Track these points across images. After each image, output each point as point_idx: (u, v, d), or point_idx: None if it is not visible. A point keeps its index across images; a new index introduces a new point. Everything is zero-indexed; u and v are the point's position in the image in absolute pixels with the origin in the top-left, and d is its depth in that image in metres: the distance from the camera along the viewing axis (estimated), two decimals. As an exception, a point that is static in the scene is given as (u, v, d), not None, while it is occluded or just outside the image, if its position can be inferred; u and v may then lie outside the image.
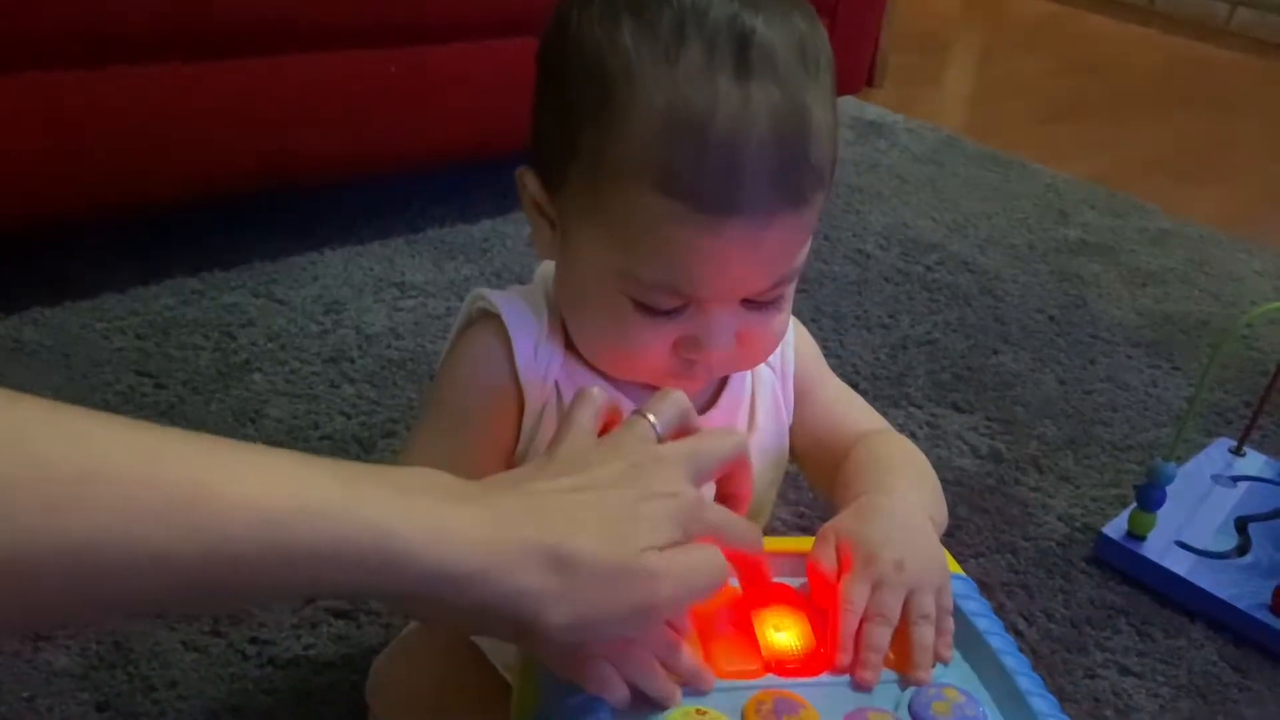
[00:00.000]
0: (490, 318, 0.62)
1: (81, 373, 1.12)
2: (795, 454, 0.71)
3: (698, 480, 0.49)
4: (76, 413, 0.36)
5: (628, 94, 0.51)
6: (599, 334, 0.59)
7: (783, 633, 0.53)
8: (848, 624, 0.52)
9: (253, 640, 0.84)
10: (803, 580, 0.56)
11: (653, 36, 0.51)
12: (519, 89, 0.62)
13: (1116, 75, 2.78)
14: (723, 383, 0.65)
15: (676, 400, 0.51)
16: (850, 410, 0.71)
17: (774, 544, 0.58)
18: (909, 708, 0.49)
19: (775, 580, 0.56)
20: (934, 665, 0.52)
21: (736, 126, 0.49)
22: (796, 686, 0.50)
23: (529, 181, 0.59)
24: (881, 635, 0.51)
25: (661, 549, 0.45)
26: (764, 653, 0.52)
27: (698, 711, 0.47)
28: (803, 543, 0.57)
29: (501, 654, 0.67)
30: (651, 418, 0.50)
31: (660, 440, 0.50)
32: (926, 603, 0.53)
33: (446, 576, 0.40)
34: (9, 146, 1.11)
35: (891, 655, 0.52)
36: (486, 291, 0.63)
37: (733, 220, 0.51)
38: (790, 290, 0.59)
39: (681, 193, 0.50)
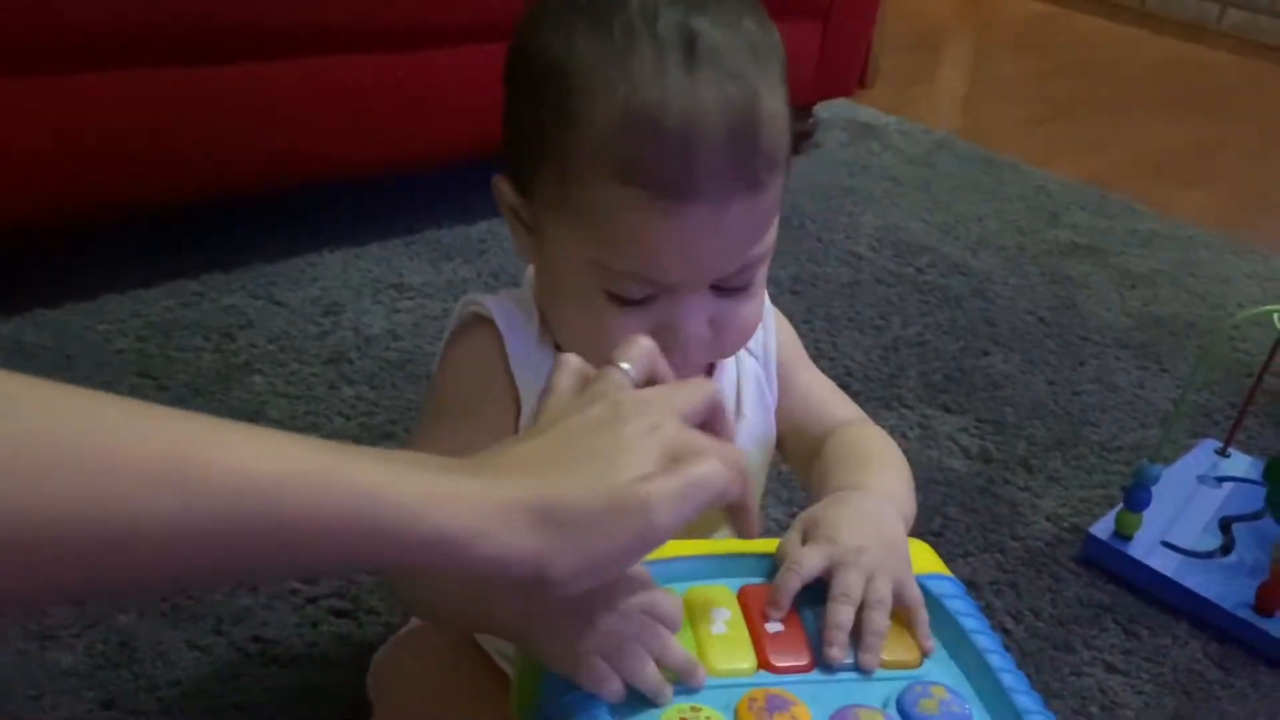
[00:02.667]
0: (483, 321, 0.64)
1: (83, 374, 1.13)
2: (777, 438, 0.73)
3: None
4: (59, 388, 0.35)
5: (585, 93, 0.54)
6: (576, 328, 0.61)
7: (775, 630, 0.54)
8: (786, 578, 0.54)
9: (255, 639, 0.85)
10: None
11: (607, 39, 0.54)
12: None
13: (1108, 76, 2.80)
14: (707, 372, 0.67)
15: (646, 347, 0.52)
16: (828, 398, 0.74)
17: (761, 545, 0.59)
18: (897, 705, 0.51)
19: (765, 581, 0.57)
20: (920, 663, 0.54)
21: (689, 116, 0.52)
22: (789, 684, 0.51)
23: (504, 188, 0.62)
24: (845, 613, 0.53)
25: (652, 477, 0.44)
26: (756, 650, 0.53)
27: (691, 709, 0.48)
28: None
29: (500, 644, 0.69)
30: (625, 365, 0.50)
31: (635, 385, 0.50)
32: (882, 588, 0.54)
33: (444, 539, 0.40)
34: (11, 148, 1.12)
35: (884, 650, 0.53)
36: (478, 295, 0.66)
37: (691, 205, 0.54)
38: (760, 276, 0.61)
39: (641, 182, 0.53)
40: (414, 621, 0.75)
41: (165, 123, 1.20)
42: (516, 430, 0.63)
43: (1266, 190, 2.18)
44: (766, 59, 0.56)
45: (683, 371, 0.63)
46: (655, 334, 0.57)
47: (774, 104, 0.56)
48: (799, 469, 0.72)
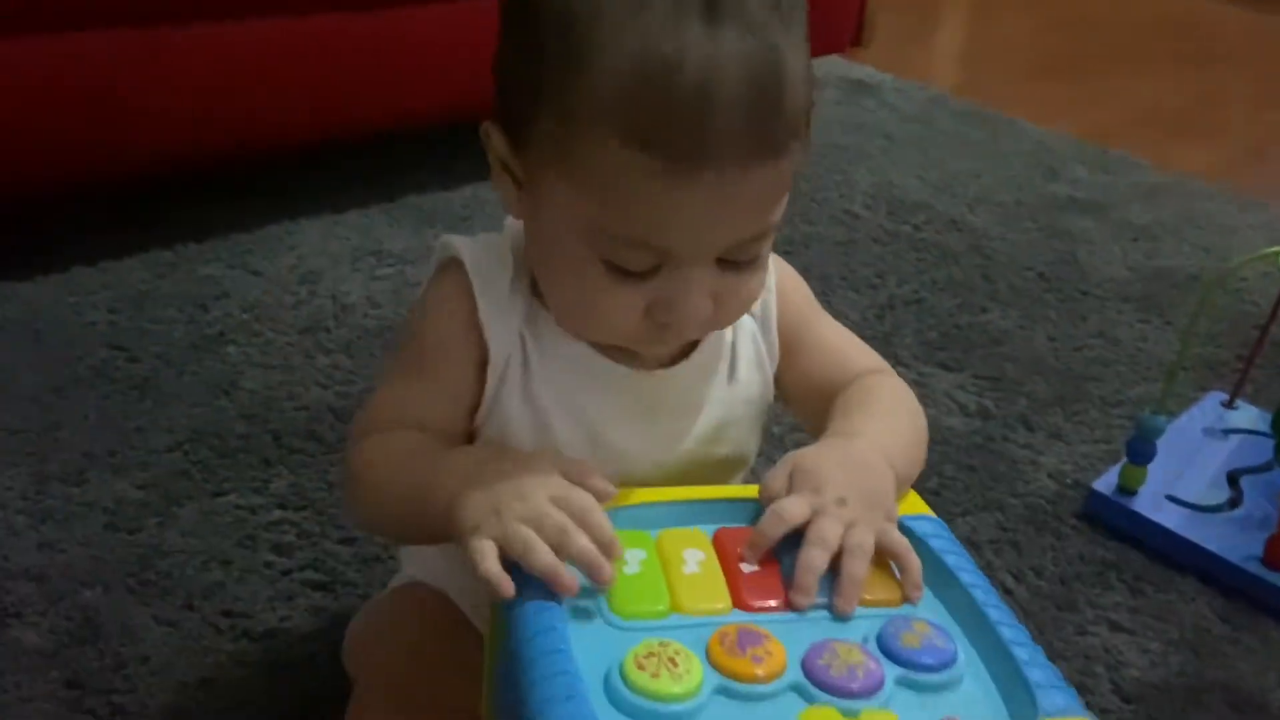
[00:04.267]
0: (456, 265, 0.61)
1: (53, 347, 1.10)
2: (790, 400, 0.69)
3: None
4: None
5: (592, 41, 0.49)
6: (568, 296, 0.57)
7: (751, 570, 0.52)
8: (768, 524, 0.52)
9: (226, 613, 0.82)
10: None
11: None
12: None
13: (1106, 30, 2.75)
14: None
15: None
16: (847, 351, 0.69)
17: (740, 491, 0.58)
18: (877, 639, 0.49)
19: (742, 525, 0.55)
20: (901, 604, 0.51)
21: (706, 75, 0.48)
22: (763, 621, 0.49)
23: (494, 137, 0.57)
24: (819, 558, 0.51)
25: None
26: (731, 591, 0.51)
27: (660, 643, 0.46)
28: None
29: (477, 601, 0.67)
30: None
31: None
32: (862, 537, 0.52)
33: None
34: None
35: (865, 591, 0.51)
36: (453, 239, 0.62)
37: (704, 173, 0.49)
38: (767, 249, 0.57)
39: (650, 145, 0.49)
40: (385, 588, 0.73)
41: (124, 88, 1.16)
42: (479, 380, 0.60)
43: (1269, 142, 2.13)
44: (791, 11, 0.51)
45: (681, 342, 0.60)
46: (652, 307, 0.55)
47: (798, 63, 0.51)
48: (815, 430, 0.66)
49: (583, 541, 0.48)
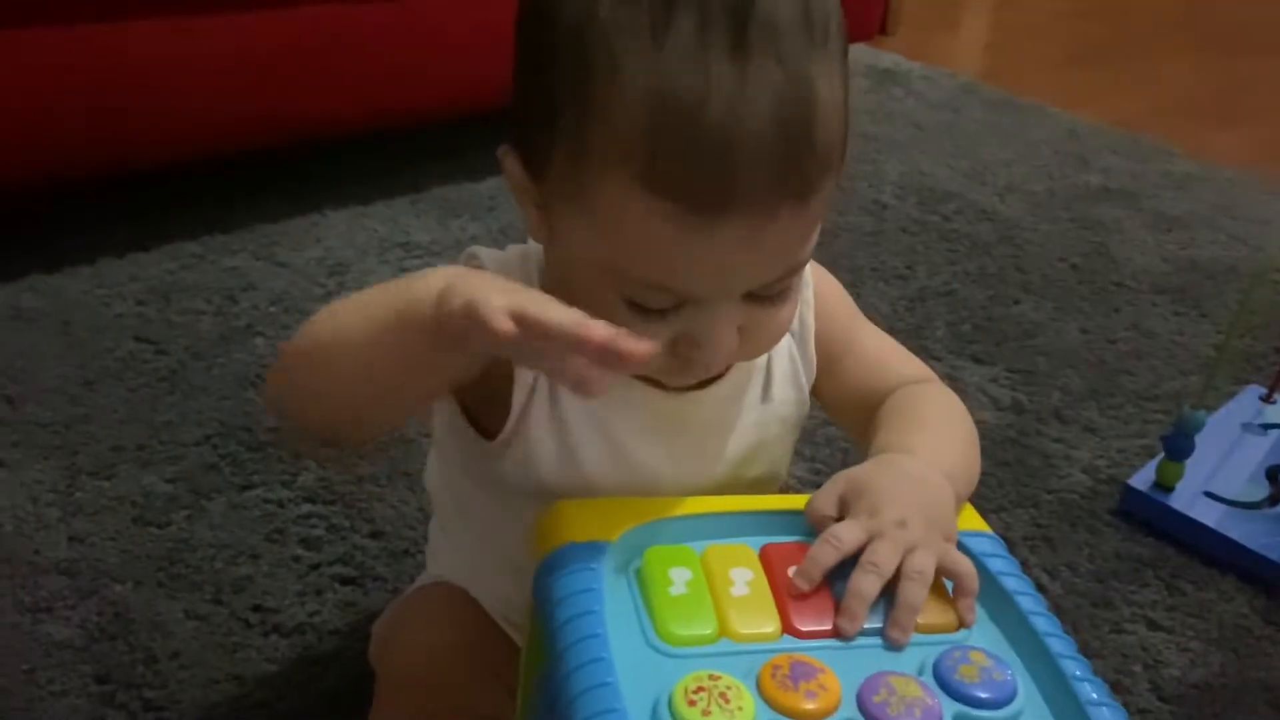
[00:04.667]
0: None
1: (81, 339, 1.10)
2: (831, 410, 0.67)
3: None
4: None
5: (608, 74, 0.46)
6: None
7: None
8: (821, 551, 0.49)
9: (256, 608, 0.82)
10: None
11: (636, 4, 0.45)
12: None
13: (1137, 16, 2.71)
14: None
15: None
16: (890, 360, 0.66)
17: (785, 501, 0.56)
18: (934, 671, 0.47)
19: (793, 540, 0.53)
20: (957, 629, 0.49)
21: (731, 116, 0.45)
22: (814, 650, 0.47)
23: (510, 165, 0.54)
24: (870, 584, 0.48)
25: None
26: (780, 614, 0.49)
27: (710, 676, 0.44)
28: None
29: (508, 610, 0.66)
30: None
31: None
32: (923, 562, 0.49)
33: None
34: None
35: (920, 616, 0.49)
36: (480, 250, 0.60)
37: (729, 220, 0.46)
38: (798, 280, 0.55)
39: (670, 190, 0.46)
40: (412, 586, 0.72)
41: (149, 80, 1.16)
42: (509, 400, 0.58)
43: (1305, 129, 2.10)
44: (825, 27, 0.47)
45: (700, 377, 0.57)
46: (676, 343, 0.52)
47: (831, 89, 0.48)
48: (858, 439, 0.65)
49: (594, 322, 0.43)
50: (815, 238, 0.53)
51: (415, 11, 1.33)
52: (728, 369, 0.60)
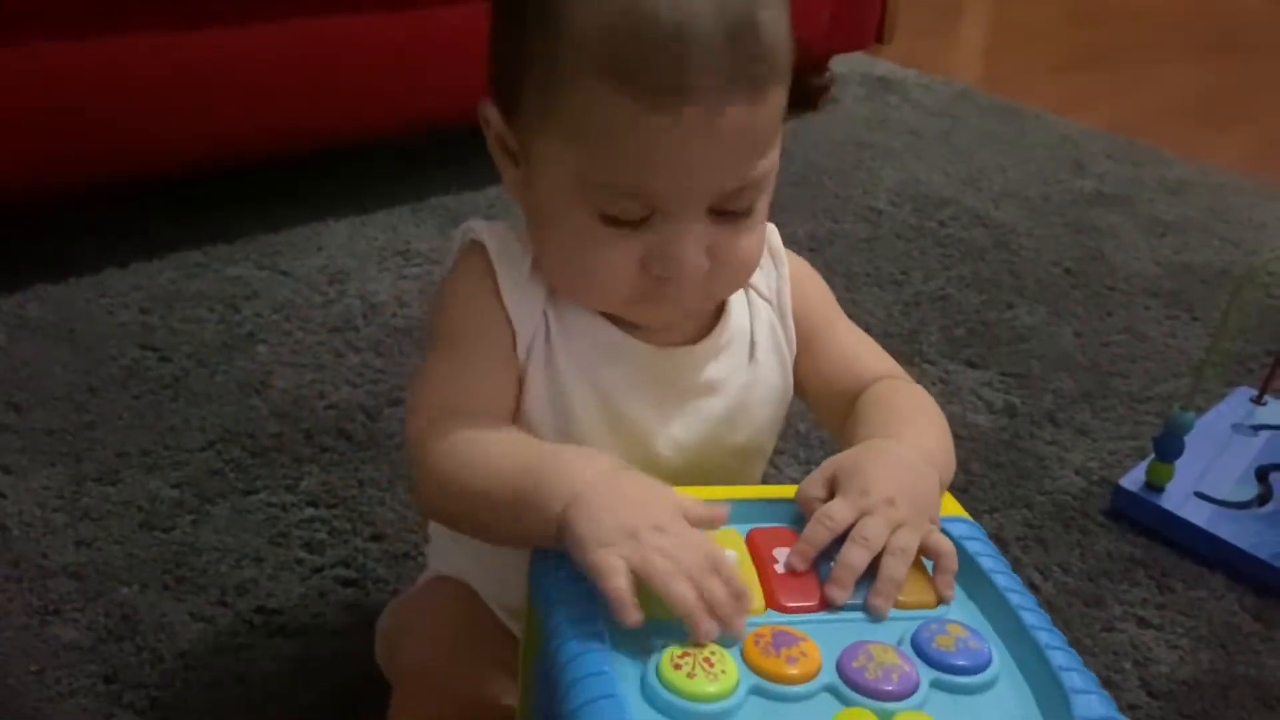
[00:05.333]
0: (478, 247, 0.62)
1: (86, 347, 1.12)
2: (806, 397, 0.70)
3: None
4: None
5: None
6: (565, 257, 0.58)
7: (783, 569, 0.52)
8: (815, 531, 0.52)
9: (260, 610, 0.84)
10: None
11: None
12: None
13: (1131, 21, 2.73)
14: (718, 313, 0.64)
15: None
16: (863, 354, 0.69)
17: (774, 491, 0.58)
18: (912, 641, 0.49)
19: (776, 525, 0.55)
20: (935, 606, 0.52)
21: (682, 14, 0.50)
22: (797, 622, 0.49)
23: (489, 113, 0.59)
24: (860, 556, 0.51)
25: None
26: (764, 591, 0.51)
27: (695, 645, 0.47)
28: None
29: (507, 600, 0.67)
30: None
31: None
32: (908, 540, 0.52)
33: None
34: (3, 116, 1.10)
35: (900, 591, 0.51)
36: (475, 223, 0.63)
37: (685, 109, 0.51)
38: (761, 205, 0.58)
39: (631, 84, 0.51)
40: (419, 581, 0.74)
41: (162, 89, 1.18)
42: (515, 356, 0.61)
43: (1299, 134, 2.11)
44: None
45: (681, 308, 0.60)
46: (649, 263, 0.56)
47: (774, 11, 0.53)
48: (833, 429, 0.68)
49: (721, 590, 0.48)
50: (773, 157, 0.57)
51: (416, 22, 1.35)
52: (713, 327, 0.63)
